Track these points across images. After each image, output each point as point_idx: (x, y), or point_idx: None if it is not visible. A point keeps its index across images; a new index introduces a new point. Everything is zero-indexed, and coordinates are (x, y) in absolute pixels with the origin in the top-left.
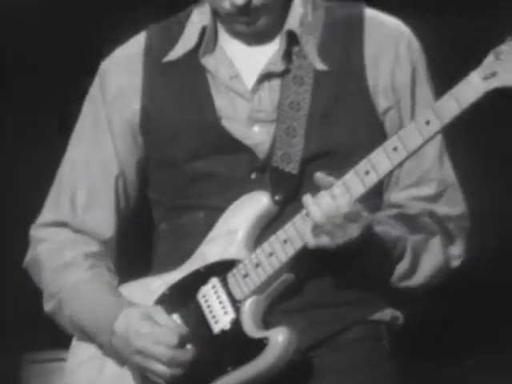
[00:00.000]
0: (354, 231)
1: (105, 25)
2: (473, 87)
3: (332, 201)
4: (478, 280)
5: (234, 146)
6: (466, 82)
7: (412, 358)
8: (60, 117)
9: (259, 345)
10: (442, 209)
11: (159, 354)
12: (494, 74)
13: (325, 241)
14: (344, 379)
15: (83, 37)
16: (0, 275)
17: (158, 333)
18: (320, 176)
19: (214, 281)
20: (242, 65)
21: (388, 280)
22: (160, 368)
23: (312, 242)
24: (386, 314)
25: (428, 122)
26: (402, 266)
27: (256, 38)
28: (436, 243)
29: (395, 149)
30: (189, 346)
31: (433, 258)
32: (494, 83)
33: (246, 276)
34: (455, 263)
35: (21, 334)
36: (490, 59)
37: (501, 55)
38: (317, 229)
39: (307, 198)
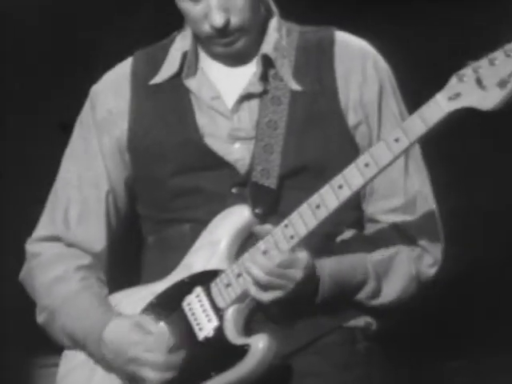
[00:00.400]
0: (296, 274)
1: (105, 25)
2: (438, 107)
3: (263, 257)
4: (463, 282)
5: (216, 163)
6: (432, 103)
7: (392, 359)
8: (61, 117)
9: (241, 351)
10: (411, 218)
11: (152, 360)
12: (458, 95)
13: (277, 294)
14: (322, 381)
15: (83, 37)
16: (12, 281)
17: (149, 340)
18: (257, 229)
19: (198, 290)
20: (223, 86)
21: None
22: (152, 375)
23: (265, 298)
24: (360, 320)
25: (397, 140)
26: (366, 290)
27: (235, 59)
28: (403, 258)
29: (367, 165)
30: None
31: (401, 275)
32: (459, 104)
33: (228, 285)
34: (431, 271)
35: (32, 339)
36: (453, 81)
37: (463, 77)
38: (263, 286)
39: (246, 261)
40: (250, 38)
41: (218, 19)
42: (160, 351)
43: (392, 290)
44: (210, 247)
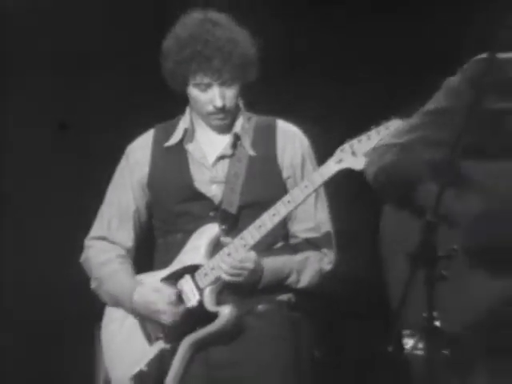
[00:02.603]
0: (250, 265)
1: (104, 25)
2: (329, 167)
3: (228, 257)
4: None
5: (201, 197)
6: (326, 164)
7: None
8: (61, 117)
9: (214, 315)
10: (317, 235)
11: (166, 309)
12: (341, 160)
13: (239, 278)
14: (261, 333)
15: (84, 37)
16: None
17: (163, 297)
18: (223, 240)
19: (187, 277)
20: (208, 149)
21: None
22: (166, 318)
23: (228, 279)
24: (285, 296)
25: (306, 186)
26: (291, 279)
27: (220, 131)
28: (312, 259)
29: (289, 201)
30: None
31: (311, 269)
32: (341, 166)
33: (206, 274)
34: (328, 267)
35: (94, 306)
36: (338, 152)
37: (344, 150)
38: (229, 273)
39: (217, 260)
40: (231, 118)
41: (220, 102)
42: (169, 304)
43: (306, 279)
44: (194, 250)
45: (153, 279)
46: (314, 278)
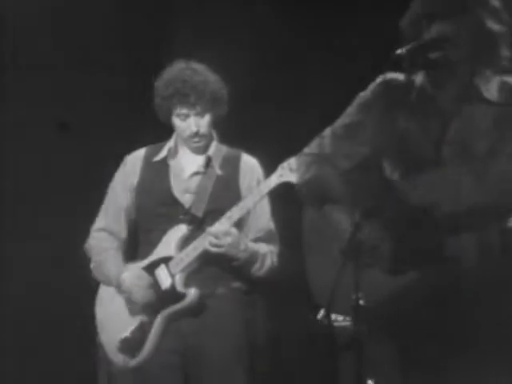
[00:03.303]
0: (229, 238)
1: (105, 25)
2: (273, 180)
3: (216, 228)
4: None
5: (176, 202)
6: (270, 178)
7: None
8: (61, 117)
9: (183, 295)
10: (270, 240)
11: (141, 292)
12: (281, 175)
13: (221, 249)
14: (219, 311)
15: (84, 38)
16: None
17: (141, 283)
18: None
19: (162, 266)
20: (186, 165)
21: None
22: (139, 298)
23: (213, 250)
24: (238, 284)
25: (255, 195)
26: (256, 266)
27: (197, 151)
28: (268, 254)
29: (242, 207)
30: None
31: (269, 261)
32: (282, 179)
33: (177, 264)
34: (276, 261)
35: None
36: (279, 168)
37: (284, 167)
38: (213, 243)
39: (209, 230)
40: (205, 143)
41: (195, 129)
42: (145, 288)
43: (264, 270)
44: (168, 245)
45: (136, 267)
46: (269, 269)
